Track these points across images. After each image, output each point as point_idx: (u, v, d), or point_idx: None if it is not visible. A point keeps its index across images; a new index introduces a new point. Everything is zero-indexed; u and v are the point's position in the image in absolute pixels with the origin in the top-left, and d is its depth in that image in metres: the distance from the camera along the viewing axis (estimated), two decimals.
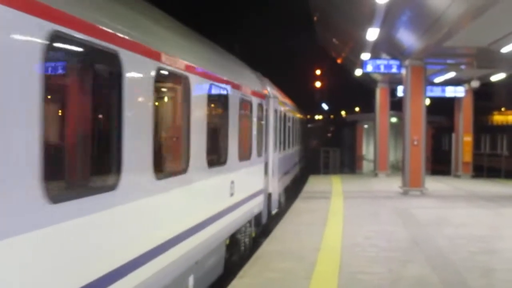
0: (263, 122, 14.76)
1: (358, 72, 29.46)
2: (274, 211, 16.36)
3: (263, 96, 14.64)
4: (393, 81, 29.09)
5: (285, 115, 20.20)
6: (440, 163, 35.42)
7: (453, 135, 31.88)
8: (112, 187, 5.40)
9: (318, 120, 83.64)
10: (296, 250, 11.36)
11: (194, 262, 8.12)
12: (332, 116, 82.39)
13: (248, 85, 12.48)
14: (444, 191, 23.42)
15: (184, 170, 7.80)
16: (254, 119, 13.22)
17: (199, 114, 8.42)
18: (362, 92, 42.04)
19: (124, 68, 5.66)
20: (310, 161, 37.81)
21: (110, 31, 5.38)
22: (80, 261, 4.87)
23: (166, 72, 7.16)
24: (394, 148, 35.21)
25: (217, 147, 9.85)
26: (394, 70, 23.14)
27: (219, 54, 11.08)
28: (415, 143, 22.10)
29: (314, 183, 26.82)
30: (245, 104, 12.03)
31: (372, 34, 19.16)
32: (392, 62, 23.14)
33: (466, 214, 16.70)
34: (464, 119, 30.77)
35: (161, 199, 6.89)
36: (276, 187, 16.66)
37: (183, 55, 7.87)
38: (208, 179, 8.99)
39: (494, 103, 62.44)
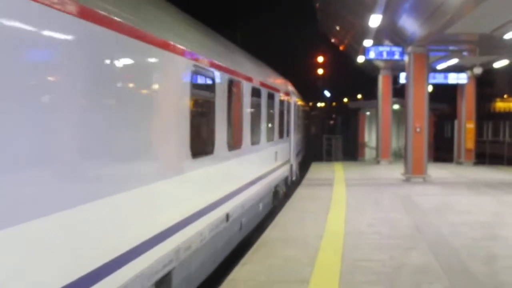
0: (288, 113, 20.23)
1: (360, 59, 29.34)
2: (294, 178, 21.95)
3: (289, 94, 20.42)
4: (396, 68, 29.00)
5: (298, 107, 25.85)
6: (442, 150, 35.41)
7: (456, 122, 31.82)
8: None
9: (321, 107, 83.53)
10: (299, 237, 11.39)
11: (262, 195, 14.11)
12: (334, 104, 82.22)
13: (282, 88, 18.64)
14: (447, 178, 23.42)
15: (258, 142, 13.57)
16: (285, 111, 19.06)
17: (265, 111, 14.53)
18: (364, 79, 41.92)
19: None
20: (313, 148, 37.82)
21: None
22: (236, 179, 11.24)
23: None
24: (396, 135, 35.18)
25: (270, 129, 15.68)
26: (396, 56, 23.07)
27: (271, 70, 17.66)
28: (418, 130, 22.07)
29: (317, 170, 26.85)
30: (281, 101, 18.03)
31: (375, 20, 19.07)
32: (395, 48, 23.07)
33: (469, 201, 16.70)
34: (467, 106, 30.67)
35: (251, 156, 12.75)
36: (294, 161, 22.42)
37: (269, 79, 15.82)
38: (267, 149, 14.99)
39: (496, 90, 62.31)
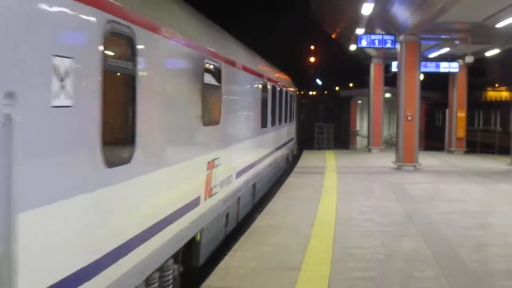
0: (292, 103, 25.74)
1: (352, 47, 29.31)
2: (295, 152, 28.15)
3: (292, 88, 25.75)
4: (388, 56, 28.99)
5: (297, 98, 30.98)
6: (433, 138, 35.49)
7: (447, 111, 31.88)
8: (280, 123, 20.38)
9: (312, 95, 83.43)
10: (291, 224, 11.41)
11: (282, 158, 21.29)
12: (326, 92, 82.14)
13: (289, 84, 24.44)
14: (438, 167, 23.50)
15: (281, 122, 19.88)
16: (291, 102, 24.73)
17: (283, 102, 20.69)
18: (356, 68, 41.89)
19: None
20: (304, 136, 37.81)
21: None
22: (272, 144, 18.64)
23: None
24: (387, 123, 35.22)
25: (284, 114, 21.36)
26: (388, 45, 23.00)
27: (283, 73, 23.71)
28: (409, 118, 22.11)
29: (308, 158, 26.87)
30: (290, 95, 23.85)
31: (367, 8, 19.01)
32: (387, 37, 22.99)
33: (460, 190, 16.76)
34: (458, 95, 30.73)
35: (278, 132, 19.56)
36: (295, 139, 28.23)
37: (284, 81, 22.73)
38: (282, 128, 20.67)
39: (487, 79, 62.38)
